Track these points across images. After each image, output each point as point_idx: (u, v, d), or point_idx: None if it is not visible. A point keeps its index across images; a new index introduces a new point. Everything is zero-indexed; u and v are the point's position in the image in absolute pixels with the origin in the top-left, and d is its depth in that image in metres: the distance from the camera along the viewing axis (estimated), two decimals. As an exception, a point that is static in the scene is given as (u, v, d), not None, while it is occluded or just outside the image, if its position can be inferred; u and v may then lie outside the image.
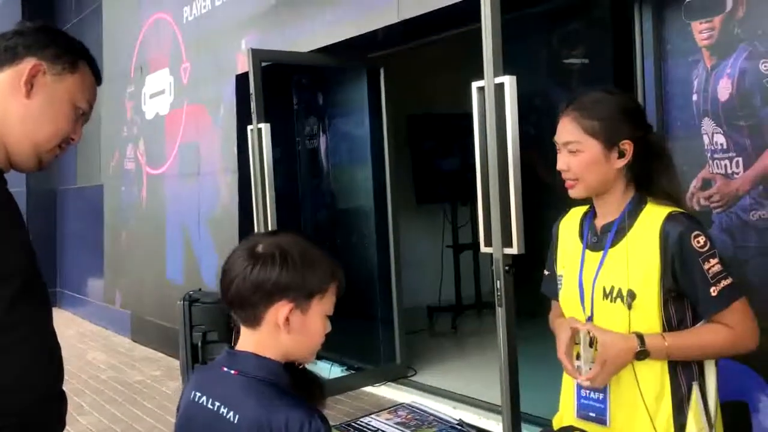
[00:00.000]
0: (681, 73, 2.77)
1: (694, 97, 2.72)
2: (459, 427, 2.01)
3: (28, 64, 1.35)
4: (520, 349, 2.68)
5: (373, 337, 5.09)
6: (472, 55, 2.91)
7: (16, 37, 1.38)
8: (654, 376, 1.63)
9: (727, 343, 1.61)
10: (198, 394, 1.33)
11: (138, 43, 6.94)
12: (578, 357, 1.63)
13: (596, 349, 1.60)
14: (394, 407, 2.12)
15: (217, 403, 1.28)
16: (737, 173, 2.60)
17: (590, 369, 1.59)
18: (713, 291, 1.58)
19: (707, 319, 1.63)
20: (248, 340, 1.32)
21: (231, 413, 1.25)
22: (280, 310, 1.27)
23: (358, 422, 1.99)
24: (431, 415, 2.04)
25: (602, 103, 1.70)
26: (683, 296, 1.63)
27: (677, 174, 1.75)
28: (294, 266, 1.28)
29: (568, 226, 1.84)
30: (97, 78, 1.47)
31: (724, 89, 2.62)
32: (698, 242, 1.58)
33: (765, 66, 2.49)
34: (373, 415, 2.06)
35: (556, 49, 3.94)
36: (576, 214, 1.84)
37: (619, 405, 1.65)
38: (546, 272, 1.92)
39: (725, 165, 2.64)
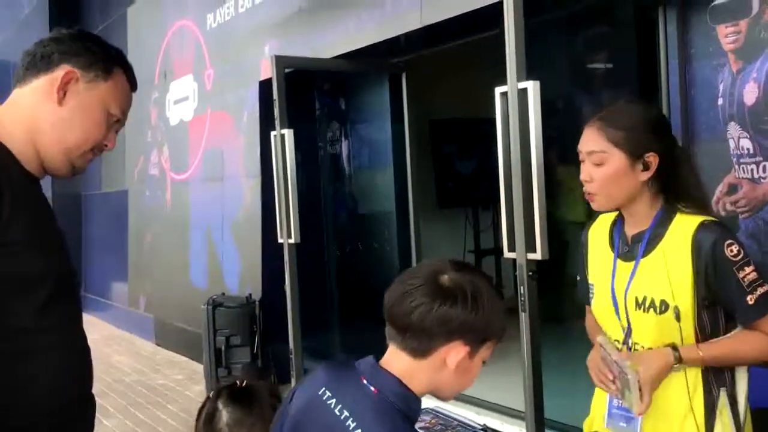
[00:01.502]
0: (706, 77, 2.74)
1: (720, 102, 2.69)
2: (483, 432, 2.01)
3: (61, 72, 1.37)
4: (542, 354, 2.67)
5: (395, 341, 5.09)
6: (495, 60, 2.90)
7: (52, 44, 1.40)
8: (687, 385, 1.62)
9: (765, 350, 1.60)
10: (328, 393, 1.27)
11: (162, 50, 7.02)
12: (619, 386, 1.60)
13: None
14: (418, 412, 2.12)
15: (346, 413, 1.21)
16: (764, 178, 2.57)
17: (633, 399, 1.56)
18: (750, 299, 1.57)
19: (744, 327, 1.62)
20: (400, 364, 1.25)
21: (358, 430, 1.18)
22: (455, 351, 1.23)
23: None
24: (455, 420, 2.04)
25: (628, 113, 1.68)
26: (716, 304, 1.61)
27: (704, 184, 1.74)
28: (483, 310, 1.23)
29: (598, 233, 1.82)
30: (133, 85, 1.47)
31: (750, 93, 2.59)
32: (732, 251, 1.57)
33: (792, 69, 2.46)
34: (397, 420, 2.05)
35: (579, 53, 3.92)
36: (605, 220, 1.82)
37: (650, 415, 1.64)
38: (578, 277, 1.90)
39: (751, 170, 2.61)
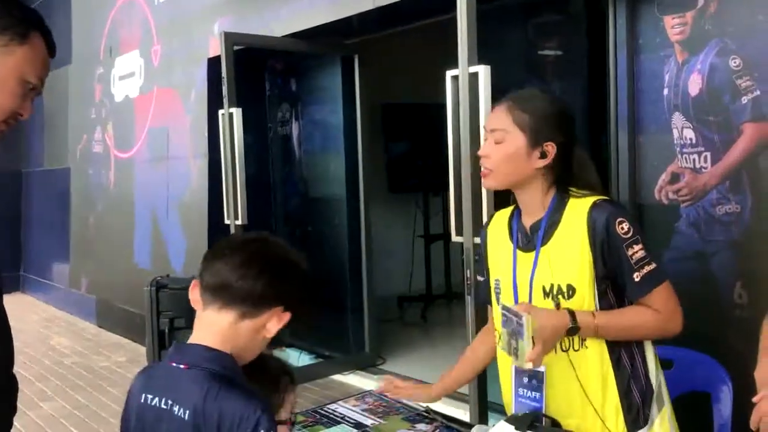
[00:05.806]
0: (653, 68, 2.79)
1: (665, 92, 2.75)
2: (426, 415, 2.02)
3: None
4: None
5: (343, 325, 5.09)
6: (448, 45, 2.90)
7: None
8: (594, 367, 1.65)
9: (654, 326, 1.65)
10: (149, 396, 1.28)
11: (108, 24, 6.81)
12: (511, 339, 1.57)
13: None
14: (362, 394, 2.12)
15: (170, 402, 1.24)
16: (705, 168, 2.63)
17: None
18: (636, 277, 1.60)
19: (633, 303, 1.66)
20: (209, 333, 1.28)
21: (182, 410, 1.22)
22: (276, 317, 1.29)
23: (324, 408, 1.98)
24: (399, 402, 2.04)
25: (537, 99, 1.73)
26: (615, 282, 1.64)
27: (598, 181, 1.76)
28: (296, 278, 1.33)
29: (496, 229, 1.84)
30: (51, 50, 1.35)
31: (694, 84, 2.65)
32: (622, 228, 1.60)
33: (734, 62, 2.52)
34: (340, 402, 2.05)
35: (530, 40, 3.94)
36: (502, 216, 1.84)
37: (557, 400, 1.66)
38: (480, 278, 1.92)
39: (694, 159, 2.67)
